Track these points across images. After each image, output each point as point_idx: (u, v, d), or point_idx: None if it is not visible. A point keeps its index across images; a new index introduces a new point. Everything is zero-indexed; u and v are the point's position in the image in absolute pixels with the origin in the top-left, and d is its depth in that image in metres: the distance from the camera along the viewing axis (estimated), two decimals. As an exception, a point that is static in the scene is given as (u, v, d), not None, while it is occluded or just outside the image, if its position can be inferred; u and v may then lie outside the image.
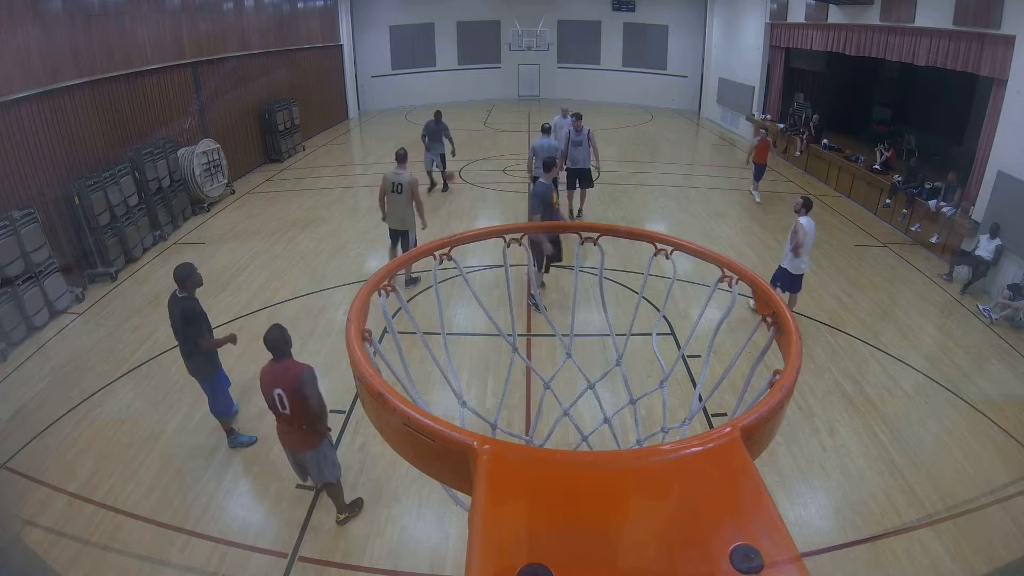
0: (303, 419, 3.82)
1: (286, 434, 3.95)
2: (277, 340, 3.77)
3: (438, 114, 10.94)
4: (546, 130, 9.51)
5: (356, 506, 4.40)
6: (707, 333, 6.29)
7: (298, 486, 4.50)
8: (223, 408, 4.98)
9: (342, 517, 4.29)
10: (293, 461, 4.13)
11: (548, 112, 20.36)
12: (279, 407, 3.79)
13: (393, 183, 6.94)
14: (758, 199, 11.51)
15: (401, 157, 7.05)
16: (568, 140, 9.62)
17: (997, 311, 7.14)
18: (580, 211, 10.23)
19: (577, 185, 9.90)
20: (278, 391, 3.73)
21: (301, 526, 4.27)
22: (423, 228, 7.32)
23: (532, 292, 6.94)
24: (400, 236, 7.25)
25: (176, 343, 4.98)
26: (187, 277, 4.54)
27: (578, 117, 9.71)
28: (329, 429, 4.06)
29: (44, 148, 7.68)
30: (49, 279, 7.08)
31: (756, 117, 16.08)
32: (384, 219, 7.30)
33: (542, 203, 6.85)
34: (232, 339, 4.78)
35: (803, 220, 6.52)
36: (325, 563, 4.00)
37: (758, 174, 11.64)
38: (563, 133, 9.91)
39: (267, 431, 5.21)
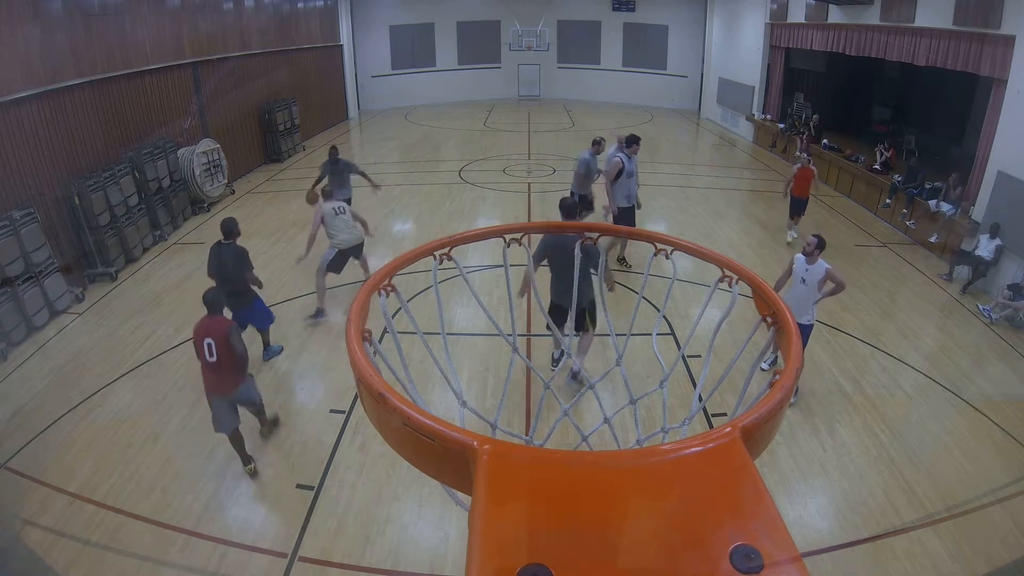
0: (228, 365, 4.48)
1: (215, 382, 4.53)
2: (214, 300, 4.59)
3: (334, 151, 8.52)
4: (596, 142, 8.24)
5: (275, 423, 5.23)
6: (707, 333, 6.29)
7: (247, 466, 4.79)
8: (265, 320, 6.14)
9: (266, 430, 5.10)
10: (219, 409, 4.60)
11: (548, 112, 20.44)
12: (207, 355, 4.43)
13: (335, 208, 6.89)
14: (789, 238, 9.42)
15: (329, 194, 7.08)
16: (622, 171, 7.54)
17: (997, 311, 7.14)
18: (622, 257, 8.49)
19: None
20: (208, 340, 4.41)
21: (301, 526, 4.27)
22: (370, 235, 7.47)
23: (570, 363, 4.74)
24: (353, 252, 7.10)
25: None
26: (234, 228, 5.76)
27: (633, 141, 7.61)
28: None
29: (44, 148, 7.68)
30: (49, 279, 7.08)
31: (756, 116, 16.09)
32: (305, 255, 6.98)
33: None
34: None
35: (827, 264, 5.38)
36: (325, 563, 4.00)
37: (797, 209, 9.43)
38: (612, 164, 7.66)
39: (279, 437, 5.22)
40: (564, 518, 1.01)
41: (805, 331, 5.39)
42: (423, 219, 10.46)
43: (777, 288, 5.49)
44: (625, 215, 7.81)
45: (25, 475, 4.73)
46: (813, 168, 9.27)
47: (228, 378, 4.54)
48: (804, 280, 5.40)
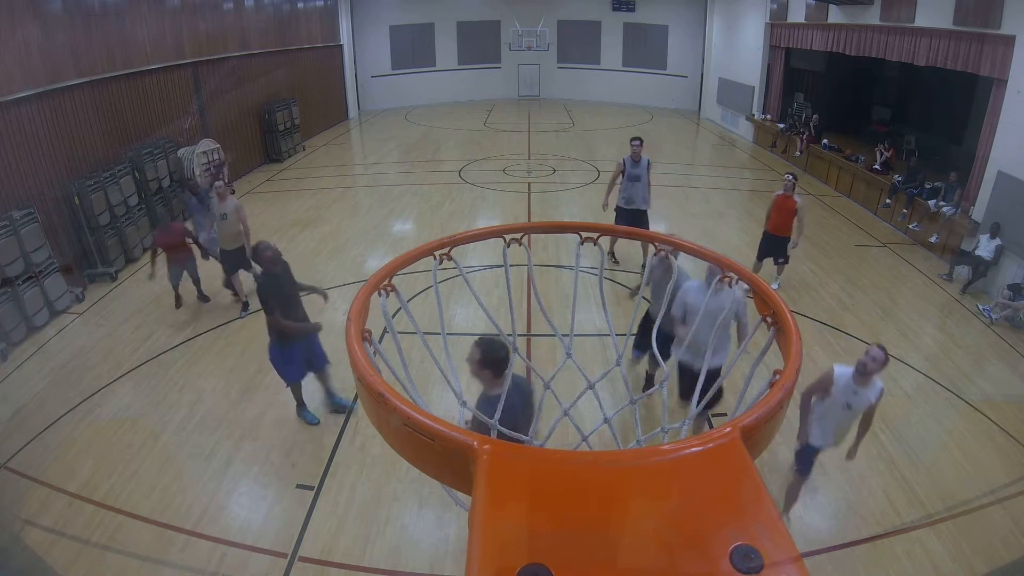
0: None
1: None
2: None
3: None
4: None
5: (176, 301, 6.97)
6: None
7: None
8: (285, 375, 5.14)
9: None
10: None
11: (548, 112, 20.43)
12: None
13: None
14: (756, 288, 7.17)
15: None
16: (624, 173, 7.55)
17: (997, 311, 7.14)
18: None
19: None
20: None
21: (301, 526, 4.27)
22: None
23: None
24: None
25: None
26: (259, 254, 4.74)
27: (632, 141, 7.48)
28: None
29: (44, 148, 7.68)
30: (49, 279, 7.08)
31: (756, 116, 16.08)
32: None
33: None
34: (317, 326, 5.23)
35: (840, 369, 3.79)
36: (325, 563, 4.00)
37: (772, 251, 7.29)
38: (616, 166, 7.67)
39: (279, 437, 5.22)
40: (564, 518, 1.01)
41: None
42: (423, 219, 10.45)
43: (805, 403, 3.93)
44: (622, 216, 7.79)
45: (25, 475, 4.73)
46: (797, 198, 6.97)
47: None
48: (850, 405, 3.76)
